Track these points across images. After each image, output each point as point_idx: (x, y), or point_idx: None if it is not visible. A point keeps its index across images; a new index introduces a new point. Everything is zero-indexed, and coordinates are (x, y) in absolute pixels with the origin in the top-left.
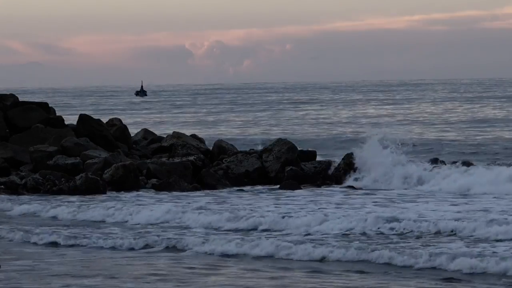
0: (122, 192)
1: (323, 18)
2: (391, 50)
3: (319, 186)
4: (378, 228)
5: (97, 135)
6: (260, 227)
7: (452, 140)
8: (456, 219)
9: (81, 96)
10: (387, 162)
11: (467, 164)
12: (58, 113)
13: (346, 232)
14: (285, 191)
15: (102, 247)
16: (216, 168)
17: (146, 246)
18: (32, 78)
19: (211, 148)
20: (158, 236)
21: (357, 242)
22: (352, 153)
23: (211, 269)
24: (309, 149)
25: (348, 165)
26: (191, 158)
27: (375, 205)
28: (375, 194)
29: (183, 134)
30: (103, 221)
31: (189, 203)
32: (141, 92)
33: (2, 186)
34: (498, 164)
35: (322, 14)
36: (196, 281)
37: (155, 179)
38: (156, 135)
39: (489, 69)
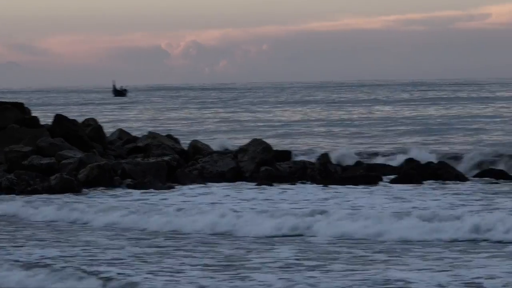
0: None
1: (299, 18)
2: (367, 50)
3: (293, 184)
4: None
5: (72, 135)
6: None
7: None
8: None
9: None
10: None
11: None
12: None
13: None
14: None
15: None
16: (191, 168)
17: None
18: (10, 78)
19: (186, 148)
20: None
21: None
22: (327, 153)
23: None
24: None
25: (324, 166)
26: (166, 158)
27: None
28: None
29: (158, 134)
30: None
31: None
32: (118, 92)
33: None
34: None
35: (299, 15)
36: None
37: (130, 179)
38: (131, 135)
39: (466, 69)
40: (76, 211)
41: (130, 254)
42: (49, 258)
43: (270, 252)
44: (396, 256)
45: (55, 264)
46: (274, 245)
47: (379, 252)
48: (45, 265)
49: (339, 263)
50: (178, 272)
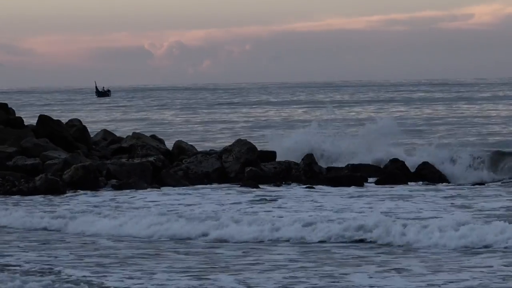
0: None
1: (282, 18)
2: (350, 50)
3: (278, 186)
4: None
5: (56, 136)
6: None
7: None
8: None
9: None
10: None
11: None
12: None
13: None
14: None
15: None
16: (176, 169)
17: None
18: None
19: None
20: None
21: None
22: (312, 154)
23: None
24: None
25: (308, 166)
26: (151, 158)
27: None
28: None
29: (143, 135)
30: None
31: None
32: (102, 92)
33: None
34: None
35: (281, 15)
36: None
37: (114, 180)
38: (115, 135)
39: (449, 70)
40: None
41: None
42: None
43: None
44: None
45: None
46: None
47: None
48: None
49: None
50: None
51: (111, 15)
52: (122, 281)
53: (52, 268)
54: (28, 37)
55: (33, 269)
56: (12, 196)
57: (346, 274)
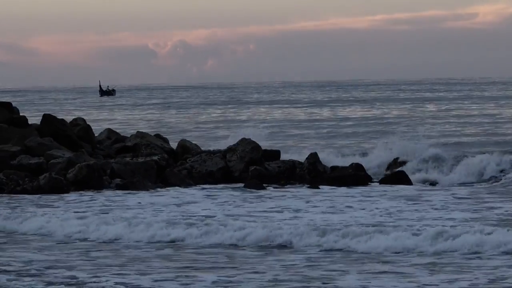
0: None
1: (286, 18)
2: (354, 49)
3: (283, 185)
4: None
5: (60, 135)
6: None
7: None
8: None
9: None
10: None
11: None
12: None
13: None
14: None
15: None
16: (180, 168)
17: None
18: None
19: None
20: None
21: None
22: (316, 153)
23: None
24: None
25: (312, 165)
26: (155, 157)
27: None
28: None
29: (147, 134)
30: None
31: None
32: (106, 91)
33: None
34: None
35: (286, 14)
36: None
37: (118, 179)
38: (119, 134)
39: (452, 68)
40: None
41: None
42: None
43: None
44: None
45: None
46: None
47: None
48: None
49: None
50: None
51: (115, 14)
52: (117, 281)
53: (47, 269)
54: (32, 37)
55: (26, 271)
56: (16, 195)
57: None
